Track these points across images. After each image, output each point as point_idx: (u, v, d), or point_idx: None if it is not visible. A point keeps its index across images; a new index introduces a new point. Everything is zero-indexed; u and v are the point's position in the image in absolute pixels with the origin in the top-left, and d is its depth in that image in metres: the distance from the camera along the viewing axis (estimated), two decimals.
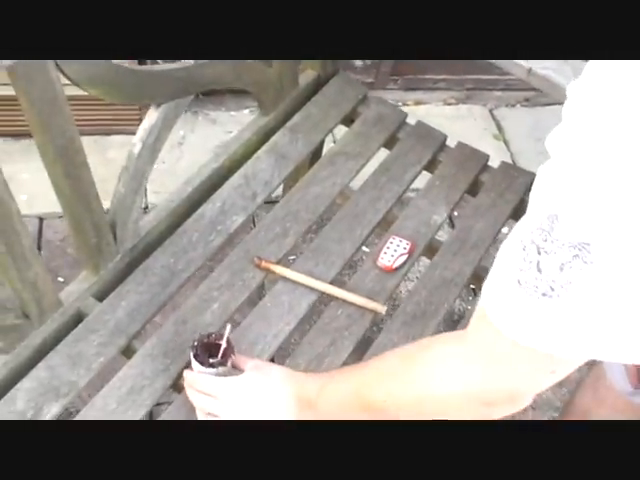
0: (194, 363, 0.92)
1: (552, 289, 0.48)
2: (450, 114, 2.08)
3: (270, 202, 1.27)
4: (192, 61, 1.04)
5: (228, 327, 0.92)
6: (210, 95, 1.98)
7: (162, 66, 1.01)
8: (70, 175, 0.92)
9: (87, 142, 0.94)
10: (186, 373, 0.94)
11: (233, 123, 1.96)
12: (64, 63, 0.82)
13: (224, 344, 0.92)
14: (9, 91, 0.80)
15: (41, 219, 1.72)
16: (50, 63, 0.80)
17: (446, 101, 2.13)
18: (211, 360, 0.91)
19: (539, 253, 0.48)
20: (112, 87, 0.93)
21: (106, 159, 1.80)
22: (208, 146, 1.86)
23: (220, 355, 0.92)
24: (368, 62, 1.92)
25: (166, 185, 1.69)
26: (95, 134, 1.88)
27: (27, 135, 1.92)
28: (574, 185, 0.46)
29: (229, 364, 0.92)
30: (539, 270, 0.48)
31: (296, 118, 1.31)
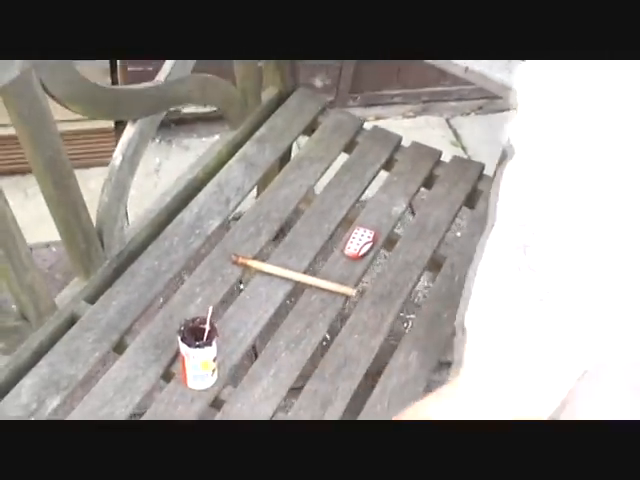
0: (182, 345, 1.01)
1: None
2: (409, 126, 2.20)
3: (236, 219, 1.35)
4: (162, 80, 1.15)
5: (210, 310, 1.01)
6: (182, 124, 2.09)
7: (136, 85, 1.12)
8: (58, 185, 1.02)
9: None
10: None
11: (205, 149, 2.06)
12: (48, 82, 0.92)
13: (208, 327, 1.01)
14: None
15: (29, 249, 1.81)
16: (36, 82, 0.90)
17: (405, 114, 2.26)
18: (197, 342, 1.01)
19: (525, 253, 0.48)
20: (91, 104, 1.03)
21: (88, 189, 1.88)
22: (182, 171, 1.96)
23: (205, 337, 1.01)
24: (327, 82, 2.05)
25: (145, 208, 1.79)
26: (76, 168, 1.98)
27: (10, 173, 2.01)
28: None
29: (214, 344, 1.02)
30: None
31: (262, 130, 1.42)
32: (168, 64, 1.16)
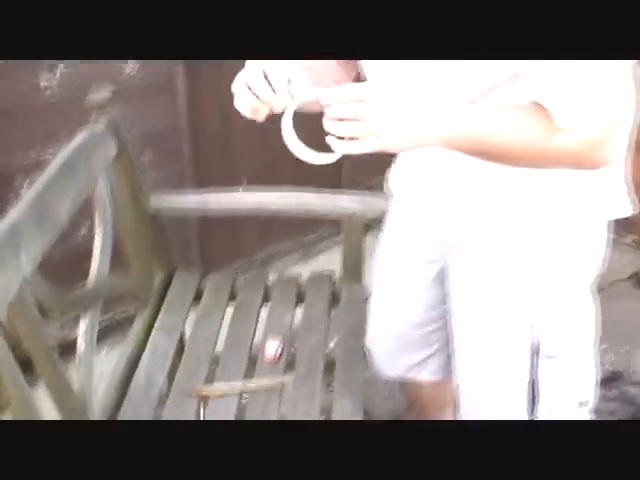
0: None
1: None
2: None
3: None
4: (93, 281, 1.53)
5: None
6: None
7: (80, 290, 1.49)
8: (53, 367, 1.33)
9: None
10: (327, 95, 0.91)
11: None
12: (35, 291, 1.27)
13: None
14: None
15: None
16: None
17: None
18: None
19: None
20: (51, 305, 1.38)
21: None
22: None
23: None
24: None
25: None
26: None
27: None
28: None
29: None
30: None
31: (165, 304, 1.81)
32: (92, 272, 1.54)
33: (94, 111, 1.61)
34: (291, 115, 0.95)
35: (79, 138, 1.51)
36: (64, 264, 1.86)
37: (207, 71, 2.24)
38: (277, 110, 0.96)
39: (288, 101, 0.94)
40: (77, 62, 1.92)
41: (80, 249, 1.92)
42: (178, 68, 2.17)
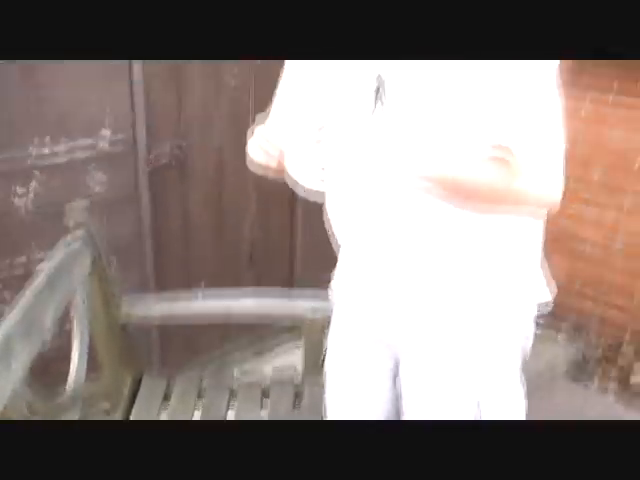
0: None
1: None
2: None
3: None
4: (71, 386, 1.60)
5: None
6: None
7: (62, 394, 1.55)
8: None
9: None
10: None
11: None
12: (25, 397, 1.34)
13: None
14: None
15: None
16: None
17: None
18: None
19: None
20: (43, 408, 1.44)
21: None
22: None
23: None
24: None
25: None
26: None
27: None
28: None
29: None
30: None
31: (134, 410, 1.87)
32: (71, 376, 1.61)
33: (71, 226, 1.72)
34: (299, 154, 1.22)
35: (59, 253, 1.61)
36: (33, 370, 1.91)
37: (170, 179, 2.40)
38: (282, 160, 1.24)
39: (291, 149, 1.23)
40: (48, 179, 2.04)
41: (50, 354, 1.98)
42: (142, 180, 2.31)
